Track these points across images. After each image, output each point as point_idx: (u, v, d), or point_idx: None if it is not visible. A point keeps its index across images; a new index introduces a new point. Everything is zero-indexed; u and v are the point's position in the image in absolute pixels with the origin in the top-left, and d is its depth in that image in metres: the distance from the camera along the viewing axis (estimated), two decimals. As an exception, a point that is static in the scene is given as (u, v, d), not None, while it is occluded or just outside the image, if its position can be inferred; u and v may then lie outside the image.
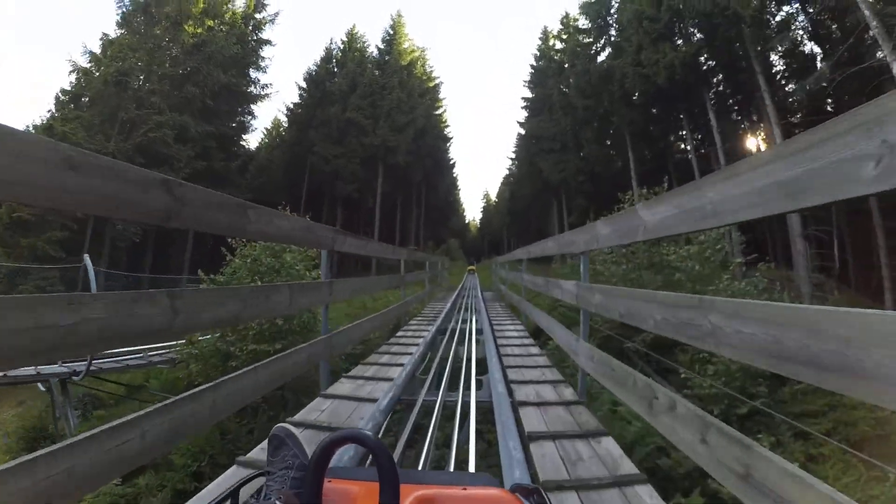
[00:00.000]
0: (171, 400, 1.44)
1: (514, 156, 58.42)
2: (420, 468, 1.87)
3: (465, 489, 0.73)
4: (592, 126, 27.15)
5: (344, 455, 1.38)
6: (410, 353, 4.12)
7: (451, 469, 1.89)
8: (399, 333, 6.32)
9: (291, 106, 34.99)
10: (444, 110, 40.22)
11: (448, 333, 5.81)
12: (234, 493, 0.69)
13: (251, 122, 28.67)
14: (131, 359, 8.90)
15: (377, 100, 29.03)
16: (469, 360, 3.99)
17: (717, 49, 19.23)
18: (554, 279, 4.86)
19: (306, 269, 6.44)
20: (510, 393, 2.87)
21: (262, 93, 26.97)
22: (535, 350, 5.19)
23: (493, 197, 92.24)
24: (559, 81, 32.14)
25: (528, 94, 37.73)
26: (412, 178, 31.62)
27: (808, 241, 16.14)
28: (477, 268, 34.79)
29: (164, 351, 8.99)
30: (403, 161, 28.66)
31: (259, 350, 5.81)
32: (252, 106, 27.19)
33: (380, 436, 2.13)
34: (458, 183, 62.21)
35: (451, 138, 43.60)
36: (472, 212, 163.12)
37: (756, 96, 19.79)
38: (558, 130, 30.79)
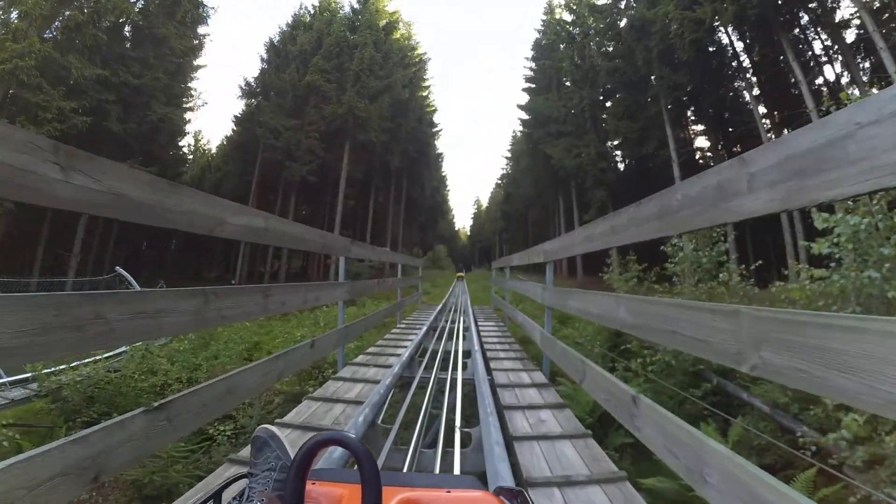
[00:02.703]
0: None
1: (509, 154, 53.21)
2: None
3: (448, 492, 0.74)
4: (619, 97, 21.50)
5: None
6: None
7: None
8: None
9: (252, 81, 28.87)
10: (431, 95, 34.45)
11: None
12: (216, 495, 0.68)
13: (181, 85, 22.35)
14: None
15: (345, 62, 22.96)
16: None
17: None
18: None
19: None
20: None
21: (194, 43, 20.71)
22: None
23: (485, 203, 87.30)
24: (571, 50, 26.57)
25: (530, 74, 32.17)
26: (389, 163, 25.48)
27: None
28: (466, 276, 33.37)
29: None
30: (377, 138, 22.50)
31: None
32: (181, 61, 20.86)
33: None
34: (448, 183, 56.36)
35: (440, 128, 37.72)
36: (462, 220, 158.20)
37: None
38: (570, 109, 25.12)
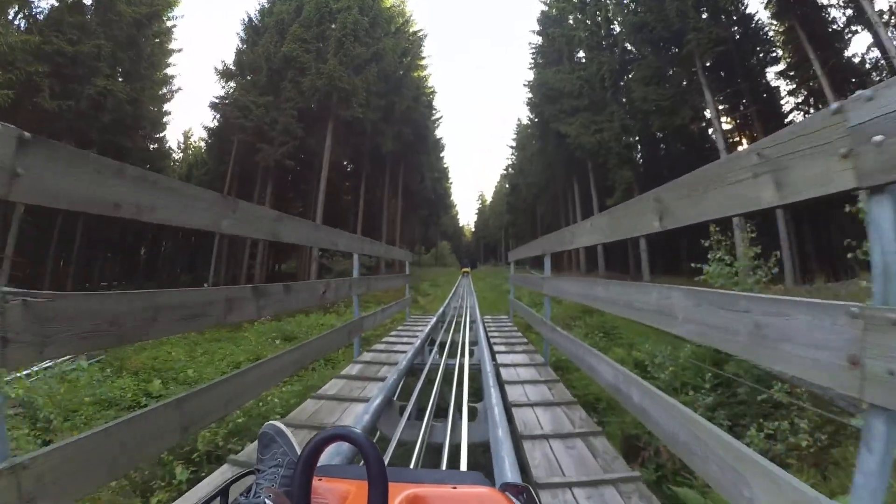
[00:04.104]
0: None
1: (514, 143, 50.08)
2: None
3: (454, 488, 0.73)
4: (645, 59, 18.40)
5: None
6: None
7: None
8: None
9: (231, 64, 25.97)
10: (430, 79, 31.39)
11: None
12: (223, 492, 0.67)
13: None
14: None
15: (326, 29, 19.98)
16: None
17: None
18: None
19: None
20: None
21: (149, 10, 17.77)
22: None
23: (489, 198, 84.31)
24: (584, 16, 23.52)
25: (536, 48, 29.04)
26: (381, 146, 22.50)
27: None
28: (473, 274, 31.94)
29: None
30: (364, 115, 19.50)
31: None
32: (135, 32, 17.92)
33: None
34: (450, 176, 53.21)
35: (440, 115, 34.65)
36: (466, 217, 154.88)
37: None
38: (585, 80, 22.06)
